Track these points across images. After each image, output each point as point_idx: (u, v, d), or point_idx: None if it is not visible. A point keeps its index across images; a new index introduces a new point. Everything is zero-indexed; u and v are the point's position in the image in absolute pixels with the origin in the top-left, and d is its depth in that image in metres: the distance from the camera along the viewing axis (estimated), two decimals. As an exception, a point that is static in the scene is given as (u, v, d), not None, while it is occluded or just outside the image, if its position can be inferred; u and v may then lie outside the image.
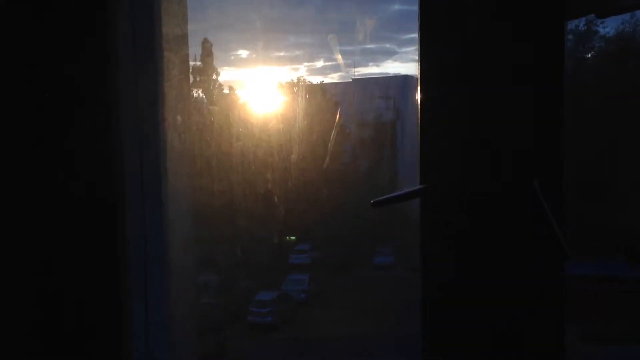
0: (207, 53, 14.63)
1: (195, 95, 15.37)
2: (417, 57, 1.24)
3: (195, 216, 1.60)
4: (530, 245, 1.17)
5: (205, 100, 14.22)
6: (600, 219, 14.62)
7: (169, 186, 1.42)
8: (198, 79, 14.52)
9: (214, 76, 15.69)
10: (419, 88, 1.24)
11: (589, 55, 15.01)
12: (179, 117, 1.42)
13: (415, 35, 1.24)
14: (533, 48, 1.18)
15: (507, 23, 1.18)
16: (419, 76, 1.24)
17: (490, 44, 1.19)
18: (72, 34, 1.34)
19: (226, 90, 15.36)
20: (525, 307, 1.18)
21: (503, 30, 1.18)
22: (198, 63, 14.40)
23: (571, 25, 14.79)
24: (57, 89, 1.34)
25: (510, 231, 1.18)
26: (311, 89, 15.44)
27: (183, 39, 1.42)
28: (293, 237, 16.32)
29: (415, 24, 1.23)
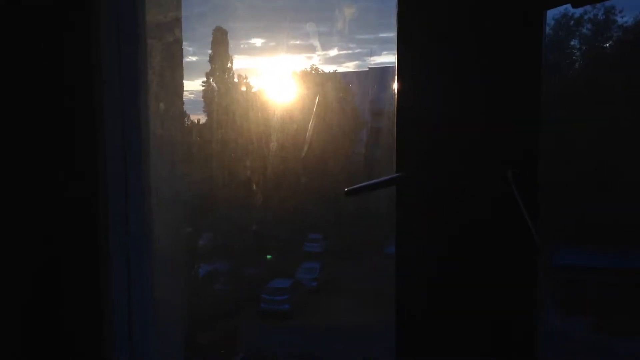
0: (219, 41, 14.63)
1: (209, 83, 15.44)
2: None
3: (195, 204, 1.61)
4: (503, 235, 1.17)
5: (217, 89, 14.27)
6: (621, 210, 14.46)
7: (152, 174, 1.43)
8: (210, 67, 14.58)
9: (229, 64, 15.71)
10: (395, 76, 1.23)
11: (607, 45, 14.78)
12: (161, 105, 1.43)
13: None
14: (511, 38, 1.16)
15: (485, 12, 1.17)
16: (396, 65, 1.23)
17: (468, 34, 1.18)
18: (55, 21, 1.35)
19: (236, 80, 15.39)
20: (497, 296, 1.18)
21: (480, 20, 1.17)
22: (209, 51, 14.45)
23: (589, 14, 14.57)
24: (38, 76, 1.36)
25: (484, 220, 1.18)
26: (324, 77, 15.38)
27: (168, 26, 1.43)
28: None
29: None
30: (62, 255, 1.38)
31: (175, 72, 1.45)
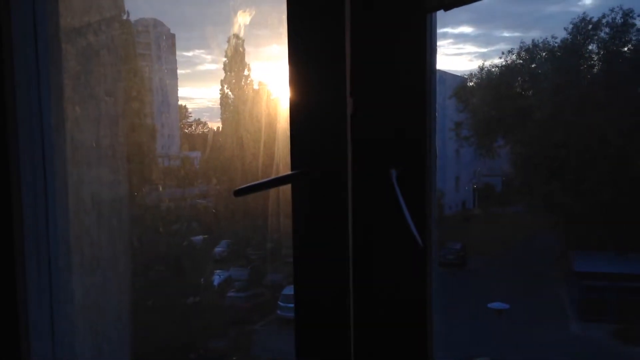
0: (234, 49, 14.75)
1: (223, 91, 15.56)
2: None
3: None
4: (388, 234, 1.15)
5: (232, 96, 14.37)
6: (637, 216, 14.16)
7: (68, 177, 1.44)
8: (225, 74, 14.68)
9: (245, 72, 15.82)
10: (288, 68, 1.23)
11: (626, 49, 14.51)
12: (77, 108, 1.44)
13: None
14: (398, 39, 1.15)
15: (371, 13, 1.16)
16: (288, 59, 1.23)
17: (356, 37, 1.17)
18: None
19: (256, 87, 15.48)
20: (386, 295, 1.17)
21: (365, 24, 1.17)
22: (224, 59, 14.57)
23: (607, 18, 14.35)
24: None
25: (371, 218, 1.16)
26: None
27: (81, 31, 1.45)
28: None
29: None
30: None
31: (90, 76, 1.47)
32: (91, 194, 1.53)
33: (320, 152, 1.20)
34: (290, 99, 1.23)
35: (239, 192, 1.20)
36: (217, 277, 13.47)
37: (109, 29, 1.48)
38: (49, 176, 1.45)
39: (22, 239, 1.42)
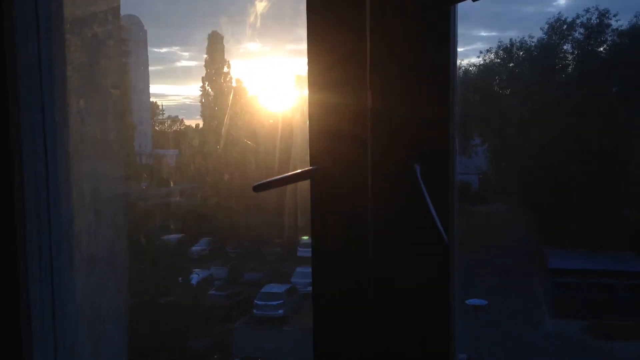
0: (214, 46, 14.63)
1: (205, 88, 15.44)
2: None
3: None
4: (413, 230, 1.13)
5: (212, 93, 14.26)
6: (611, 214, 14.43)
7: (72, 171, 1.40)
8: (206, 72, 14.56)
9: (225, 69, 15.70)
10: (307, 65, 1.20)
11: (601, 49, 14.74)
12: (81, 101, 1.40)
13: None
14: (420, 33, 1.13)
15: (394, 5, 1.14)
16: (307, 56, 1.21)
17: (376, 32, 1.15)
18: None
19: (234, 84, 15.37)
20: (409, 292, 1.15)
21: (388, 17, 1.14)
22: (205, 56, 14.44)
23: (582, 19, 14.57)
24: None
25: (393, 215, 1.15)
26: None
27: (86, 21, 1.40)
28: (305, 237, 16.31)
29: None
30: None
31: (94, 67, 1.42)
32: (96, 189, 1.48)
33: (340, 148, 1.18)
34: (308, 93, 1.20)
35: (258, 188, 1.17)
36: (196, 276, 13.36)
37: (115, 19, 1.43)
38: (52, 171, 1.40)
39: (24, 235, 1.37)
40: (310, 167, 1.20)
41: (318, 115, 1.20)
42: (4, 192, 1.35)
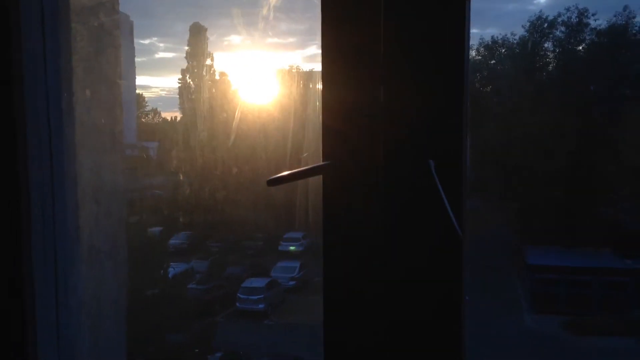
0: (196, 38, 14.51)
1: (185, 81, 15.32)
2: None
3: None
4: (427, 226, 1.14)
5: (193, 86, 14.15)
6: (588, 212, 14.65)
7: (77, 163, 1.38)
8: (187, 64, 14.45)
9: (208, 61, 15.58)
10: (321, 61, 1.20)
11: (580, 48, 14.95)
12: (87, 92, 1.38)
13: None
14: (434, 27, 1.14)
15: (406, 4, 1.14)
16: (322, 51, 1.21)
17: (390, 24, 1.15)
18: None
19: (217, 77, 15.28)
20: (422, 287, 1.16)
21: (404, 10, 1.15)
22: (186, 48, 14.33)
23: (563, 17, 14.77)
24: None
25: (407, 210, 1.15)
26: (301, 76, 15.33)
27: (93, 10, 1.38)
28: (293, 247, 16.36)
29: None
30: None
31: (101, 57, 1.41)
32: (98, 181, 1.46)
33: (353, 143, 1.18)
34: (322, 88, 1.20)
35: (272, 182, 1.17)
36: (172, 270, 13.30)
37: (117, 9, 1.41)
38: (56, 162, 1.38)
39: (30, 227, 1.35)
40: (323, 163, 1.20)
41: (331, 111, 1.20)
42: (8, 184, 1.32)
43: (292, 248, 16.35)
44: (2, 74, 1.31)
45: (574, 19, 14.53)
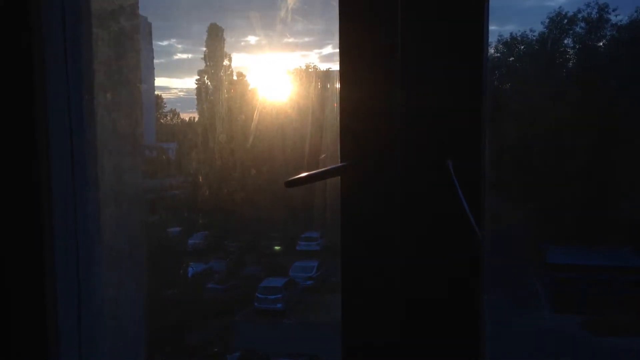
0: (214, 39, 14.57)
1: (203, 81, 15.40)
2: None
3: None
4: (445, 224, 1.14)
5: (211, 87, 14.22)
6: (609, 210, 14.46)
7: (98, 166, 1.40)
8: (205, 65, 14.52)
9: (225, 62, 15.65)
10: (339, 60, 1.20)
11: (601, 44, 14.76)
12: (108, 95, 1.40)
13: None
14: (453, 26, 1.14)
15: (424, 3, 1.14)
16: (339, 51, 1.21)
17: (408, 23, 1.15)
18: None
19: (235, 77, 15.34)
20: (440, 289, 1.15)
21: (422, 9, 1.15)
22: (203, 49, 14.40)
23: (583, 13, 14.60)
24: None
25: (426, 211, 1.15)
26: (318, 75, 15.33)
27: (114, 14, 1.40)
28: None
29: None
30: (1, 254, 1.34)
31: (121, 61, 1.42)
32: (119, 183, 1.48)
33: (371, 143, 1.18)
34: (340, 89, 1.20)
35: (290, 184, 1.17)
36: (191, 269, 13.39)
37: (137, 12, 1.43)
38: (78, 166, 1.40)
39: (52, 230, 1.37)
40: (341, 164, 1.20)
41: (349, 111, 1.20)
42: (30, 187, 1.35)
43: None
44: (24, 78, 1.33)
45: (594, 15, 14.38)
